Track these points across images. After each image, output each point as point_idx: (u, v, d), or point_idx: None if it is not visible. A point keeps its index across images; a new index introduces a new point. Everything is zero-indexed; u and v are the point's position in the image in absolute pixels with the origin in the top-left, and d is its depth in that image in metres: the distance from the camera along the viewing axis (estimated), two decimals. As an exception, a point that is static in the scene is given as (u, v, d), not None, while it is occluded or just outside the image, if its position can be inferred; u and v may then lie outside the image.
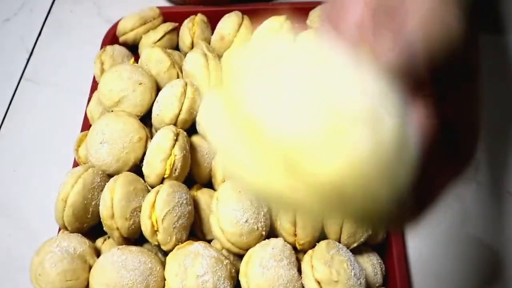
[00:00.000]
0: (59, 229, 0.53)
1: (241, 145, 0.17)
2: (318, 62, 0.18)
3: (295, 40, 0.19)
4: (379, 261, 0.51)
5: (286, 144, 0.16)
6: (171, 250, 0.47)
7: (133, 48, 0.71)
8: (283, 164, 0.16)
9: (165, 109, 0.54)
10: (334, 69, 0.18)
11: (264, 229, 0.48)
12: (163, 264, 0.47)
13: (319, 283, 0.43)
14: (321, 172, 0.16)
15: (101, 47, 0.69)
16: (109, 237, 0.52)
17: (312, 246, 0.47)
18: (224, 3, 0.74)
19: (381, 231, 0.49)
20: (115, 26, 0.72)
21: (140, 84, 0.57)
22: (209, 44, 0.69)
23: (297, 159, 0.16)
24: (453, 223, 0.57)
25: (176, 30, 0.72)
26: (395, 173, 0.17)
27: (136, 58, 0.69)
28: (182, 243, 0.48)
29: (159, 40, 0.69)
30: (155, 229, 0.47)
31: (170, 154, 0.50)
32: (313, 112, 0.16)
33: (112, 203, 0.47)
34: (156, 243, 0.47)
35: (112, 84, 0.57)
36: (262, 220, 0.48)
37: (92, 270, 0.46)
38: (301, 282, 0.45)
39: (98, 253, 0.50)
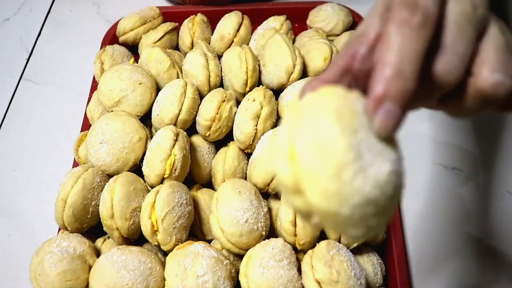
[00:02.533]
0: (59, 229, 0.53)
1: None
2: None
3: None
4: (379, 261, 0.51)
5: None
6: (171, 250, 0.47)
7: (133, 48, 0.71)
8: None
9: (165, 109, 0.54)
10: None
11: (264, 229, 0.48)
12: (163, 264, 0.47)
13: (319, 283, 0.43)
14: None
15: (101, 47, 0.69)
16: (109, 237, 0.52)
17: (312, 246, 0.47)
18: (224, 3, 0.74)
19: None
20: (115, 26, 0.72)
21: (140, 84, 0.57)
22: (209, 44, 0.69)
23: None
24: (453, 223, 0.57)
25: (176, 30, 0.72)
26: (384, 209, 0.23)
27: (136, 58, 0.69)
28: (182, 243, 0.48)
29: (159, 40, 0.69)
30: (155, 229, 0.47)
31: (170, 154, 0.50)
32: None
33: (112, 203, 0.47)
34: (156, 243, 0.47)
35: (112, 84, 0.57)
36: (262, 220, 0.48)
37: (92, 270, 0.46)
38: (301, 282, 0.44)
39: (98, 253, 0.50)
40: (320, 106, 0.23)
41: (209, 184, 0.57)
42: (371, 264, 0.49)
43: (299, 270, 0.45)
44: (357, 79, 0.26)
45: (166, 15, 0.73)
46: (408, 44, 0.23)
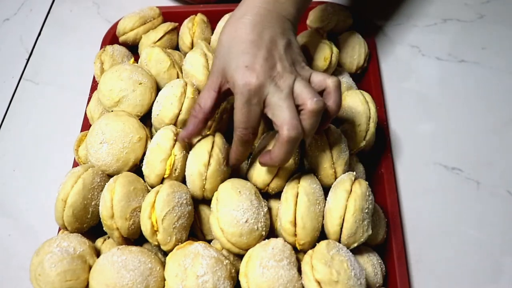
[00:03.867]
0: (59, 229, 0.54)
1: None
2: None
3: None
4: (379, 261, 0.51)
5: None
6: (171, 250, 0.47)
7: (133, 48, 0.71)
8: None
9: (165, 109, 0.54)
10: None
11: (264, 229, 0.48)
12: (163, 264, 0.47)
13: (319, 283, 0.43)
14: None
15: (101, 47, 0.69)
16: (109, 237, 0.52)
17: (312, 246, 0.47)
18: (223, 1, 0.74)
19: None
20: (115, 26, 0.72)
21: (140, 84, 0.57)
22: (209, 44, 0.69)
23: None
24: (453, 223, 0.57)
25: (176, 30, 0.72)
26: None
27: (136, 58, 0.69)
28: (182, 243, 0.48)
29: (159, 40, 0.69)
30: (155, 229, 0.47)
31: (170, 154, 0.50)
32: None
33: (112, 203, 0.47)
34: (156, 243, 0.47)
35: (112, 84, 0.57)
36: (262, 220, 0.48)
37: (92, 270, 0.46)
38: (301, 282, 0.44)
39: (98, 253, 0.50)
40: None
41: (209, 184, 0.57)
42: (371, 264, 0.49)
43: (299, 270, 0.45)
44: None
45: (166, 15, 0.73)
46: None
